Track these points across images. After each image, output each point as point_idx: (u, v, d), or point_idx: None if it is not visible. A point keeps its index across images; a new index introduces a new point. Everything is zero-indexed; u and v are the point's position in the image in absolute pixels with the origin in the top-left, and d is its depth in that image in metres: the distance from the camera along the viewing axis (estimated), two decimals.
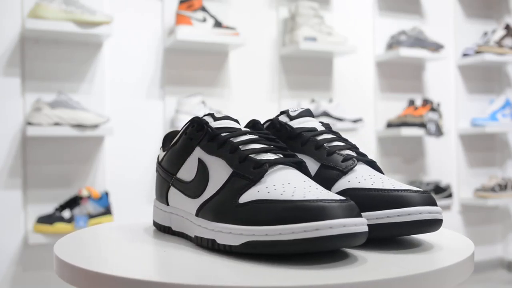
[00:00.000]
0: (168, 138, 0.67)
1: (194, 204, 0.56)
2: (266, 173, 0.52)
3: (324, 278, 0.43)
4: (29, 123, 1.84)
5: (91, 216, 1.89)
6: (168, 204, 0.62)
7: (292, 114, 0.65)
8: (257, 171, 0.52)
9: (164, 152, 0.63)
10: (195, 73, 2.25)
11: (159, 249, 0.55)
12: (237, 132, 0.56)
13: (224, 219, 0.51)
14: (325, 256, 0.51)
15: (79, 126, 1.88)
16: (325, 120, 2.29)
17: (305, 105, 2.36)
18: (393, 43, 2.57)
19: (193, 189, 0.56)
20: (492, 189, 2.70)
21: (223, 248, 0.50)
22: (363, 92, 2.64)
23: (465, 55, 2.79)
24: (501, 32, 2.74)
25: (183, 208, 0.58)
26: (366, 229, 0.47)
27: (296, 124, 0.64)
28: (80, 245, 0.57)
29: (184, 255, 0.52)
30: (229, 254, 0.50)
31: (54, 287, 1.95)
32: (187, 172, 0.58)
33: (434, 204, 0.54)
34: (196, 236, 0.55)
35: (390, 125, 2.58)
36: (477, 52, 2.72)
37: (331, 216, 0.45)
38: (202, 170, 0.56)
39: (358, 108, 2.59)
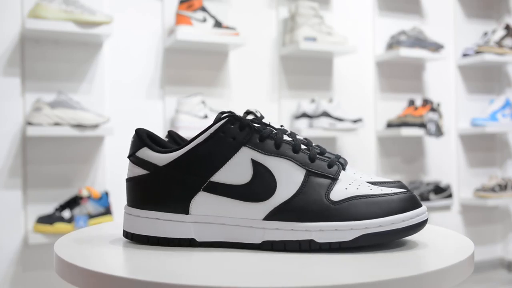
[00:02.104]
0: (143, 138, 0.58)
1: (258, 208, 0.53)
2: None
3: (324, 279, 0.43)
4: (29, 123, 1.84)
5: (91, 216, 1.89)
6: (188, 213, 0.55)
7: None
8: (334, 170, 0.55)
9: (171, 153, 0.55)
10: (195, 73, 2.25)
11: (159, 249, 0.55)
12: (281, 130, 0.56)
13: (318, 218, 0.51)
14: (325, 256, 0.51)
15: (79, 126, 1.88)
16: (325, 120, 2.29)
17: (305, 105, 2.36)
18: (393, 43, 2.57)
19: (253, 192, 0.53)
20: (492, 189, 2.70)
21: (327, 247, 0.51)
22: (363, 92, 2.64)
23: (465, 55, 2.79)
24: (501, 32, 2.74)
25: (233, 215, 0.54)
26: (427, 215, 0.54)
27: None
28: (80, 245, 0.57)
29: (184, 255, 0.52)
30: (310, 252, 0.51)
31: (54, 287, 1.95)
32: (234, 174, 0.53)
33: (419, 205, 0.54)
34: (265, 242, 0.52)
35: (390, 125, 2.58)
36: (477, 52, 2.72)
37: (419, 204, 0.53)
38: (263, 172, 0.53)
39: (358, 108, 2.59)
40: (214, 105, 2.23)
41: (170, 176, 0.55)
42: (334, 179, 0.54)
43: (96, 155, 2.06)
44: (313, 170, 0.54)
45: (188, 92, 2.20)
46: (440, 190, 2.60)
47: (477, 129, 2.73)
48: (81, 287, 0.48)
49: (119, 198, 2.05)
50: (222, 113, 0.56)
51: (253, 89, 2.38)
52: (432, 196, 2.55)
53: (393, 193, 0.53)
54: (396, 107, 2.70)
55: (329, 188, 0.53)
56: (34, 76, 1.98)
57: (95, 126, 1.91)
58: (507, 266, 2.95)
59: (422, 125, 2.51)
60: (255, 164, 0.53)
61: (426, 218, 0.53)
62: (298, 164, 0.54)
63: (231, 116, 0.54)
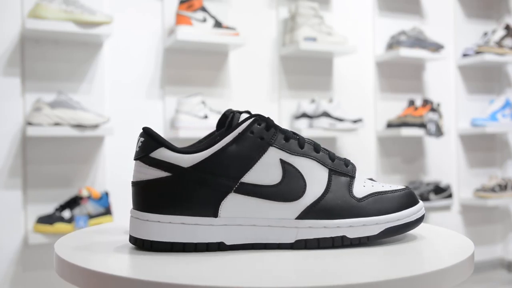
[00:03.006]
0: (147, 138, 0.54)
1: (290, 207, 0.54)
2: None
3: (324, 279, 0.43)
4: (29, 123, 1.84)
5: (91, 216, 1.89)
6: (217, 216, 0.53)
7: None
8: (350, 169, 0.58)
9: (196, 154, 0.53)
10: (195, 73, 2.25)
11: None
12: (297, 132, 0.58)
13: (347, 215, 0.54)
14: (324, 256, 0.51)
15: (79, 126, 1.88)
16: (325, 120, 2.29)
17: (305, 105, 2.36)
18: (393, 43, 2.57)
19: (284, 192, 0.53)
20: (492, 189, 2.70)
21: (357, 242, 0.54)
22: (363, 92, 2.64)
23: (465, 55, 2.79)
24: (501, 32, 2.74)
25: (264, 216, 0.53)
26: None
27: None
28: (81, 244, 0.57)
29: (183, 255, 0.52)
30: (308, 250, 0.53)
31: (54, 287, 1.95)
32: (263, 175, 0.53)
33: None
34: (299, 240, 0.54)
35: (390, 125, 2.58)
36: (477, 52, 2.72)
37: (418, 199, 0.59)
38: (292, 171, 0.54)
39: (358, 108, 2.59)
40: (214, 105, 2.23)
41: (197, 178, 0.52)
42: (352, 177, 0.57)
43: (96, 155, 2.06)
44: (335, 169, 0.56)
45: (188, 92, 2.20)
46: (440, 190, 2.60)
47: (477, 129, 2.73)
48: (81, 287, 0.48)
49: (119, 198, 2.05)
50: (235, 112, 0.56)
51: (253, 89, 2.38)
52: (432, 196, 2.55)
53: (398, 190, 0.58)
54: (396, 107, 2.70)
55: (350, 186, 0.56)
56: (34, 76, 1.98)
57: (95, 126, 1.91)
58: (507, 266, 2.95)
59: (422, 125, 2.51)
60: (284, 164, 0.54)
61: (424, 212, 0.59)
62: (321, 164, 0.56)
63: (258, 116, 0.54)
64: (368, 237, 0.55)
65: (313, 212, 0.54)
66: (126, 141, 2.10)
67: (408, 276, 0.44)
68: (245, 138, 0.53)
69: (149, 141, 0.53)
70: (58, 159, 2.01)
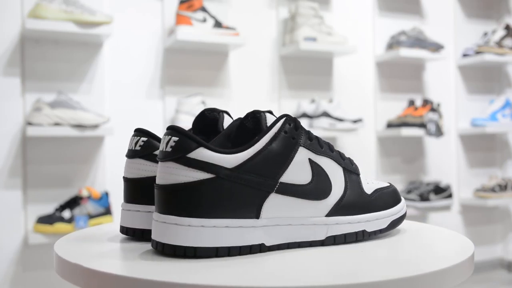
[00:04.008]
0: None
1: (321, 205, 0.55)
2: None
3: (323, 279, 0.43)
4: (29, 123, 1.84)
5: (91, 216, 1.89)
6: (259, 217, 0.52)
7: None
8: (355, 167, 0.61)
9: (238, 154, 0.51)
10: (195, 73, 2.25)
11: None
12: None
13: (364, 210, 0.58)
14: (322, 255, 0.51)
15: (79, 126, 1.88)
16: (325, 120, 2.29)
17: (305, 105, 2.36)
18: (393, 43, 2.57)
19: (316, 191, 0.55)
20: (492, 189, 2.70)
21: (373, 235, 0.59)
22: (363, 92, 2.64)
23: (465, 55, 2.79)
24: (501, 32, 2.74)
25: (299, 215, 0.54)
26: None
27: None
28: (81, 244, 0.57)
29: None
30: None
31: (54, 287, 1.95)
32: (297, 174, 0.54)
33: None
34: (329, 237, 0.56)
35: (390, 125, 2.58)
36: (477, 52, 2.72)
37: (400, 195, 0.65)
38: (319, 171, 0.56)
39: (358, 108, 2.59)
40: (214, 105, 2.23)
41: (241, 179, 0.51)
42: (358, 174, 0.61)
43: (96, 155, 2.06)
44: (346, 168, 0.59)
45: (188, 92, 2.20)
46: (440, 190, 2.60)
47: (477, 129, 2.73)
48: (81, 286, 0.48)
49: (119, 198, 2.05)
50: (262, 112, 0.56)
51: (253, 89, 2.38)
52: (432, 196, 2.55)
53: (388, 186, 0.63)
54: (396, 107, 2.70)
55: (360, 183, 0.60)
56: (34, 76, 1.98)
57: (95, 126, 1.91)
58: (507, 266, 2.95)
59: (422, 125, 2.51)
60: (312, 163, 0.55)
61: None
62: (337, 163, 0.58)
63: (288, 116, 0.55)
64: (380, 230, 0.59)
65: (339, 209, 0.57)
66: (126, 141, 2.09)
67: (408, 276, 0.44)
68: (280, 138, 0.53)
69: (185, 140, 0.50)
70: (58, 159, 2.01)
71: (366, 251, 0.53)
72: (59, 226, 1.84)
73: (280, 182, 0.52)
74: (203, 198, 0.49)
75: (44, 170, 1.98)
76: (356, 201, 0.58)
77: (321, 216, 0.56)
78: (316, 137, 0.57)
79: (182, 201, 0.50)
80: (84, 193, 1.90)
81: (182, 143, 0.50)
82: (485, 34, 2.82)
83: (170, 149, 0.50)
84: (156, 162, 0.58)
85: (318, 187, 0.55)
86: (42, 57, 1.99)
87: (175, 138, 0.50)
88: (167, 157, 0.50)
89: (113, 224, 0.71)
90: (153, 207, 0.58)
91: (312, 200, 0.55)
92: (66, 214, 1.91)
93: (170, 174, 0.50)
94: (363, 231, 0.58)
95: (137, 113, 2.15)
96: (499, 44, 2.72)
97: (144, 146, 0.59)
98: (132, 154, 0.60)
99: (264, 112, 0.55)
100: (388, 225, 0.60)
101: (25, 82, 1.97)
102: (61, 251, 0.53)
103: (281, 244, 0.54)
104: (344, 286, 0.41)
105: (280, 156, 0.52)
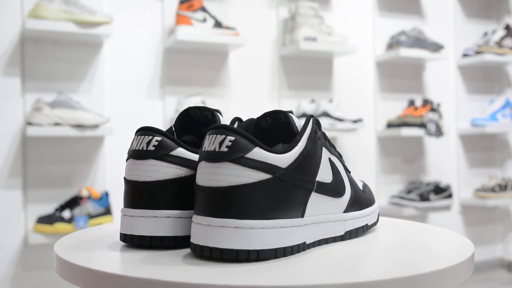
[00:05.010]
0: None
1: (340, 202, 0.58)
2: None
3: (323, 278, 0.43)
4: (29, 123, 1.84)
5: (91, 216, 1.89)
6: (304, 216, 0.52)
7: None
8: (346, 165, 0.66)
9: (288, 154, 0.50)
10: (195, 73, 2.25)
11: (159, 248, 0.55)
12: None
13: (365, 205, 0.63)
14: (321, 255, 0.51)
15: (79, 126, 1.88)
16: (325, 120, 2.29)
17: (305, 105, 2.36)
18: (393, 43, 2.57)
19: (336, 188, 0.58)
20: (492, 189, 2.70)
21: (371, 228, 0.64)
22: (363, 92, 2.64)
23: (465, 55, 2.79)
24: (501, 32, 2.74)
25: (327, 212, 0.57)
26: None
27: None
28: (81, 244, 0.57)
29: (181, 254, 0.52)
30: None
31: (54, 287, 1.95)
32: (325, 173, 0.55)
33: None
34: (347, 232, 0.59)
35: (390, 125, 2.59)
36: (477, 52, 2.72)
37: None
38: (336, 169, 0.58)
39: (358, 108, 2.59)
40: (214, 105, 2.23)
41: (294, 178, 0.50)
42: (349, 172, 0.63)
43: (96, 155, 2.06)
44: (345, 166, 0.62)
45: (188, 92, 2.20)
46: (440, 190, 2.60)
47: (477, 129, 2.73)
48: (81, 287, 0.48)
49: (119, 198, 2.05)
50: (286, 112, 0.56)
51: (253, 89, 2.38)
52: (432, 196, 2.55)
53: (363, 182, 0.68)
54: (396, 107, 2.70)
55: (353, 180, 0.63)
56: (34, 76, 1.98)
57: (95, 126, 1.91)
58: (507, 266, 2.95)
59: (422, 125, 2.51)
60: (331, 162, 0.58)
61: None
62: (340, 161, 0.61)
63: (313, 116, 0.55)
64: (374, 223, 0.64)
65: (353, 205, 0.60)
66: (126, 141, 2.10)
67: (408, 276, 0.44)
68: (313, 138, 0.53)
69: (243, 140, 0.48)
70: (58, 159, 2.01)
71: (366, 251, 0.53)
72: (59, 226, 1.84)
73: (317, 181, 0.54)
74: (262, 198, 0.48)
75: (44, 170, 1.98)
76: (359, 198, 0.62)
77: (341, 212, 0.59)
78: (327, 137, 0.60)
79: (240, 202, 0.47)
80: (84, 193, 1.90)
81: (239, 143, 0.48)
82: (485, 34, 2.82)
83: (226, 149, 0.48)
84: (172, 163, 0.54)
85: (337, 185, 0.58)
86: (42, 57, 1.99)
87: (230, 138, 0.48)
88: (223, 157, 0.48)
89: (113, 224, 0.71)
90: (168, 212, 0.54)
91: (335, 198, 0.57)
92: (66, 214, 1.91)
93: (227, 175, 0.48)
94: (366, 225, 0.62)
95: (137, 113, 2.15)
96: (499, 44, 2.72)
97: (159, 146, 0.54)
98: (144, 154, 0.54)
99: (288, 112, 0.56)
100: (377, 219, 0.65)
101: (25, 82, 1.97)
102: (61, 251, 0.53)
103: (315, 241, 0.55)
104: (344, 286, 0.41)
105: (315, 156, 0.54)
